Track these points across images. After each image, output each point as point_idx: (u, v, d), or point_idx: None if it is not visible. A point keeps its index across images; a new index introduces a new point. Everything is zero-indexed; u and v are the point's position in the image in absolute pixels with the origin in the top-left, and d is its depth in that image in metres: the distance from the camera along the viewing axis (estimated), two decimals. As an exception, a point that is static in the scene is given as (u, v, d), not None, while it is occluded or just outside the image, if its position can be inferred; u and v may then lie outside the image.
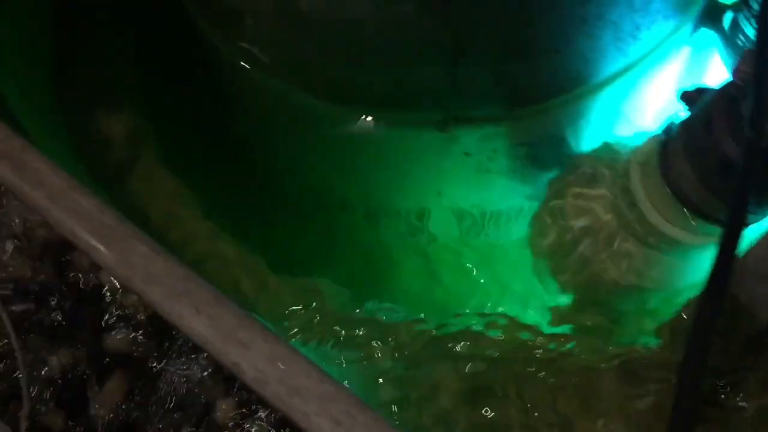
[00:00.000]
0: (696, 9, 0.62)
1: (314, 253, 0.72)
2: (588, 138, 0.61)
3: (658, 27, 0.53)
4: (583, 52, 0.49)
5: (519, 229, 0.65)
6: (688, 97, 0.52)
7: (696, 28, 0.65)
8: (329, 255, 0.72)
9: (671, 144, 0.51)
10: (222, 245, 0.66)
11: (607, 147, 0.62)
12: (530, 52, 0.48)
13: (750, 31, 0.61)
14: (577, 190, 0.60)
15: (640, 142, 0.60)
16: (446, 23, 0.46)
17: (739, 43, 0.63)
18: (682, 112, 0.53)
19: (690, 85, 0.53)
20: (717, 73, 0.67)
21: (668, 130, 0.52)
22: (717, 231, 0.52)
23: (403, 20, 0.47)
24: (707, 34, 0.66)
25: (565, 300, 0.60)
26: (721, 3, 0.66)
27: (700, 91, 0.52)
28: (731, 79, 0.48)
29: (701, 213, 0.50)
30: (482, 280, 0.70)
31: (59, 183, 0.43)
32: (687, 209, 0.50)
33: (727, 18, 0.66)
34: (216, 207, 0.69)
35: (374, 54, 0.49)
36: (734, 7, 0.66)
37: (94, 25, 0.72)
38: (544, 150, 0.60)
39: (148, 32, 0.73)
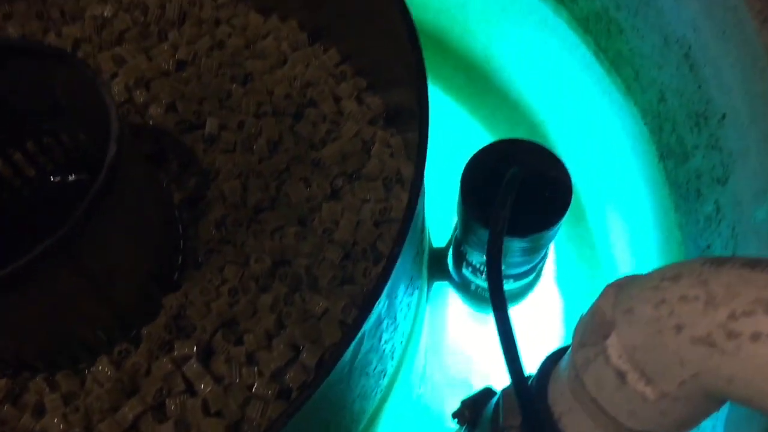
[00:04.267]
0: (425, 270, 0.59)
1: None
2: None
3: (406, 324, 0.49)
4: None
5: None
6: (464, 419, 0.46)
7: (429, 284, 0.62)
8: None
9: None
10: None
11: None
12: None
13: (479, 281, 0.59)
14: None
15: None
16: None
17: (473, 287, 0.61)
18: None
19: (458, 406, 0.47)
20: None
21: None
22: None
23: None
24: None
25: None
26: (438, 248, 0.64)
27: (471, 408, 0.47)
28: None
29: None
30: None
31: None
32: None
33: (450, 263, 0.63)
34: None
35: None
36: (448, 246, 0.65)
37: None
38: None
39: None
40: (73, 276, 0.43)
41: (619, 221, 0.69)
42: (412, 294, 0.49)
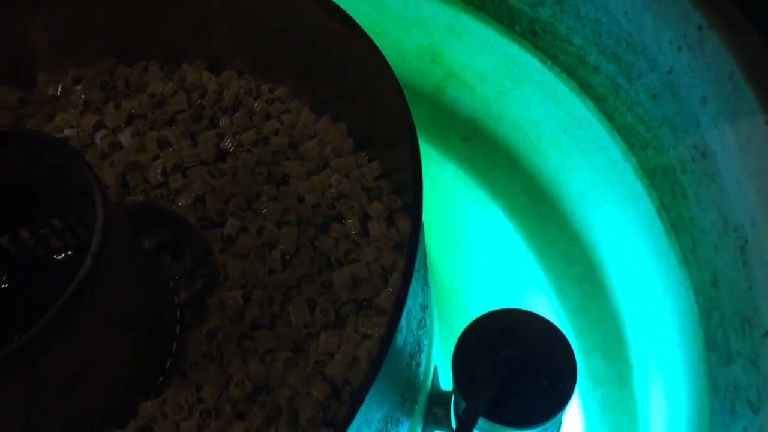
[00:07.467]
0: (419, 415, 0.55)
1: None
2: None
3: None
4: None
5: None
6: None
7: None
8: None
9: None
10: None
11: None
12: None
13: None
14: None
15: None
16: None
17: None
18: None
19: None
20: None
21: None
22: None
23: None
24: None
25: None
26: (443, 392, 0.59)
27: None
28: None
29: None
30: None
31: None
32: None
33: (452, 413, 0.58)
34: None
35: None
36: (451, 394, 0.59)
37: None
38: None
39: None
40: (32, 384, 0.42)
41: (660, 399, 0.62)
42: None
